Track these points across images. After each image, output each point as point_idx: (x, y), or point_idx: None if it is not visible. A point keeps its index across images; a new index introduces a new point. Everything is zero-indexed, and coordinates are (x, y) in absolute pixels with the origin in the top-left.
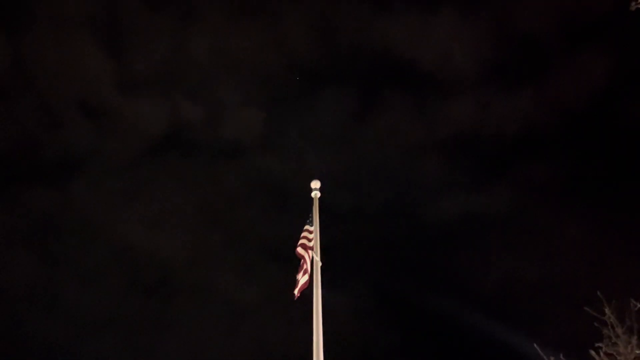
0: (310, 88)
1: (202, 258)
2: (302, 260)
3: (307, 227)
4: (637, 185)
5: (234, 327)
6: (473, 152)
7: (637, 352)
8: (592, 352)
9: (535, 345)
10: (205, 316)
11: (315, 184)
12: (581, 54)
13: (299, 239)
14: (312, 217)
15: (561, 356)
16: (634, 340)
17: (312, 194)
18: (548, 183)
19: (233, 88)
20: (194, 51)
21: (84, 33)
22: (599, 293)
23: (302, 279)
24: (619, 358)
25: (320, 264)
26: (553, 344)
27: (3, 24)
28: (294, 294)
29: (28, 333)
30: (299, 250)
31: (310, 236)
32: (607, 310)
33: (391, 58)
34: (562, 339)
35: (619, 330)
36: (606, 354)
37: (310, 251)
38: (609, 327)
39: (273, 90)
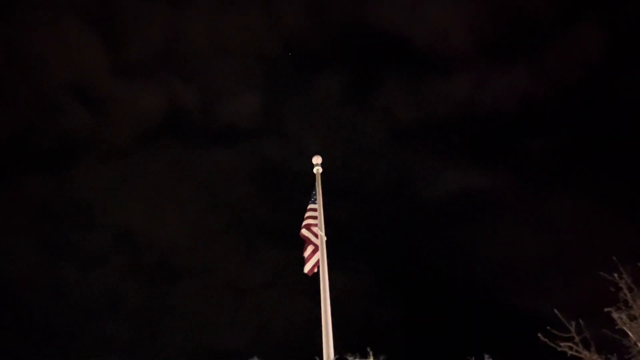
0: (306, 69)
1: (202, 241)
2: (307, 240)
3: (310, 205)
4: (635, 156)
5: (236, 309)
6: (470, 129)
7: None
8: (615, 315)
9: (555, 310)
10: (207, 299)
11: (317, 160)
12: (576, 27)
13: (303, 220)
14: (315, 194)
15: (580, 321)
16: None
17: (315, 170)
18: (546, 157)
19: (228, 71)
20: (189, 35)
21: (78, 18)
22: (614, 258)
23: (313, 257)
24: (632, 323)
25: (325, 238)
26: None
27: None
28: (305, 273)
29: (30, 320)
30: (303, 231)
31: (315, 214)
32: (622, 275)
33: (386, 37)
34: (571, 306)
35: (635, 294)
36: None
37: (315, 228)
38: (626, 290)
39: (269, 72)
